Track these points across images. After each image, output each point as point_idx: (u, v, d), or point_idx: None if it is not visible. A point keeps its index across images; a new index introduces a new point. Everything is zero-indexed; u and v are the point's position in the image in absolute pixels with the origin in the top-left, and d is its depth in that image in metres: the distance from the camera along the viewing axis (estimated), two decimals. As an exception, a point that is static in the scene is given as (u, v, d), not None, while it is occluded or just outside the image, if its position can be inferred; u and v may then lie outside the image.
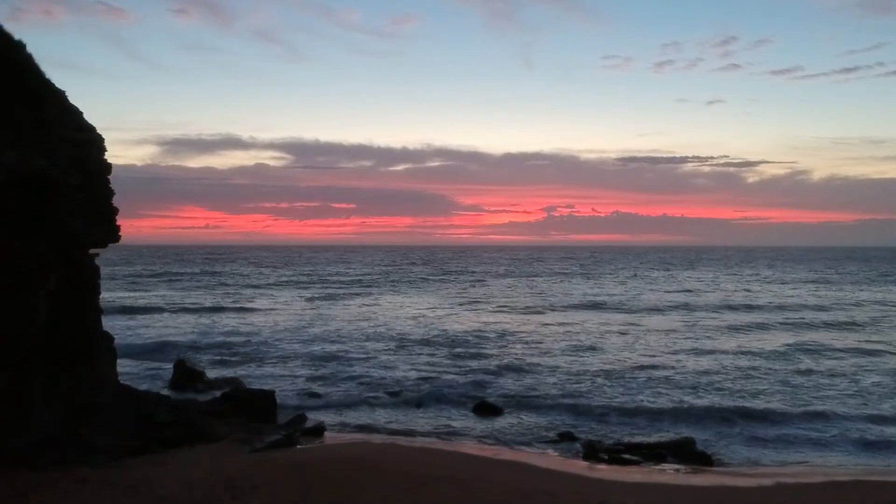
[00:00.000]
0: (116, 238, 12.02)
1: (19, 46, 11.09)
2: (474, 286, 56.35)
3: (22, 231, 9.87)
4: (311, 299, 44.20)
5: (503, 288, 54.47)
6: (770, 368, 22.24)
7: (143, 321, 30.37)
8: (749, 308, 39.82)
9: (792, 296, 48.55)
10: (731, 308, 40.02)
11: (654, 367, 21.98)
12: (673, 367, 22.08)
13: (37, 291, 10.41)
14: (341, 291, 49.43)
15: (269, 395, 14.74)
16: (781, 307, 40.60)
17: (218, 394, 17.68)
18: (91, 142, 11.18)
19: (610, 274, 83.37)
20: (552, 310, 37.60)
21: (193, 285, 52.56)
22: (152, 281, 59.07)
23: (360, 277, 67.40)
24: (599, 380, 20.09)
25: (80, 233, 10.84)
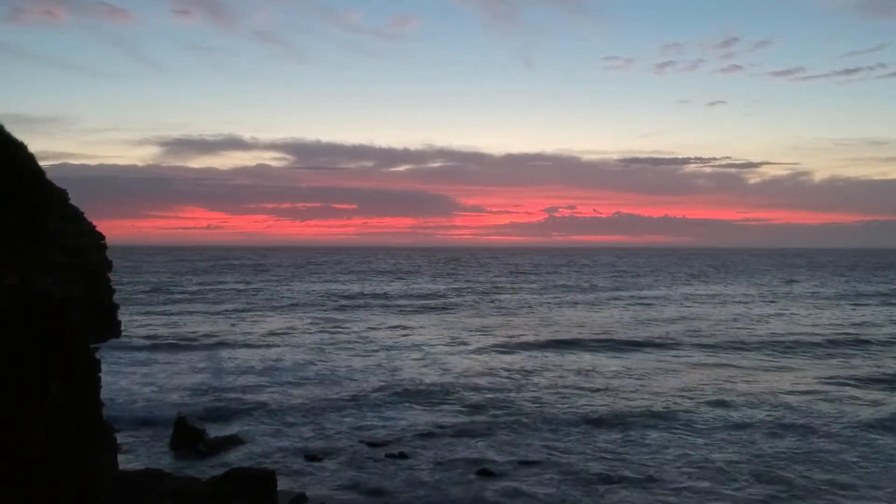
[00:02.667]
0: (118, 334, 12.27)
1: (20, 148, 11.33)
2: (493, 308, 55.29)
3: (21, 349, 10.11)
4: (315, 323, 44.58)
5: (526, 310, 53.48)
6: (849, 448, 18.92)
7: (145, 357, 30.66)
8: (813, 347, 36.12)
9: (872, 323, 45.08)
10: (797, 346, 36.42)
11: (678, 427, 20.96)
12: (706, 424, 21.12)
13: (38, 404, 10.65)
14: (347, 315, 49.60)
15: (269, 476, 14.95)
16: (862, 341, 37.43)
17: (218, 461, 18.13)
18: (92, 246, 11.41)
19: (642, 288, 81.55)
20: (581, 345, 35.99)
21: (196, 309, 52.78)
22: (156, 299, 59.47)
23: (368, 296, 67.41)
24: (616, 443, 19.57)
25: (82, 339, 11.08)
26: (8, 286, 9.60)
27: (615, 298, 65.68)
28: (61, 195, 11.54)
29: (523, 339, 38.04)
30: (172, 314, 48.07)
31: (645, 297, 66.12)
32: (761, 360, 32.78)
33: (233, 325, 43.27)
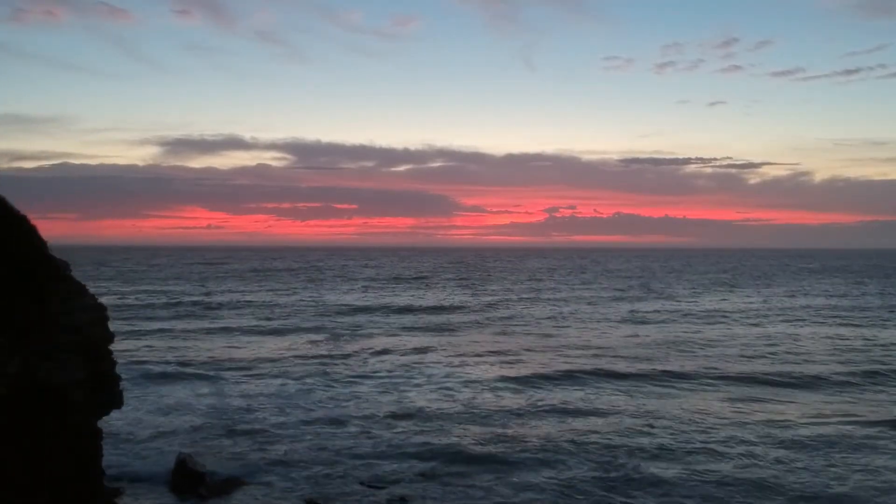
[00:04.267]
0: (119, 405, 12.46)
1: (23, 223, 11.49)
2: (508, 326, 54.29)
3: (21, 432, 10.29)
4: (319, 343, 44.86)
5: (543, 329, 52.33)
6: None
7: (146, 389, 30.78)
8: (867, 378, 33.77)
9: None
10: (851, 379, 33.72)
11: (700, 483, 19.80)
12: (733, 483, 19.73)
13: (38, 480, 10.83)
14: (353, 333, 49.77)
15: (270, 533, 15.17)
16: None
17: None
18: (94, 321, 11.58)
19: (661, 299, 79.86)
20: (599, 376, 34.28)
21: (199, 326, 53.01)
22: (157, 313, 59.85)
23: (374, 310, 67.46)
24: (631, 492, 19.10)
25: (83, 417, 11.25)
26: (10, 375, 9.79)
27: (635, 312, 64.15)
28: (63, 270, 11.72)
29: (539, 366, 37.12)
30: (175, 333, 48.33)
31: (667, 313, 64.45)
32: (805, 397, 30.84)
33: (236, 346, 43.51)
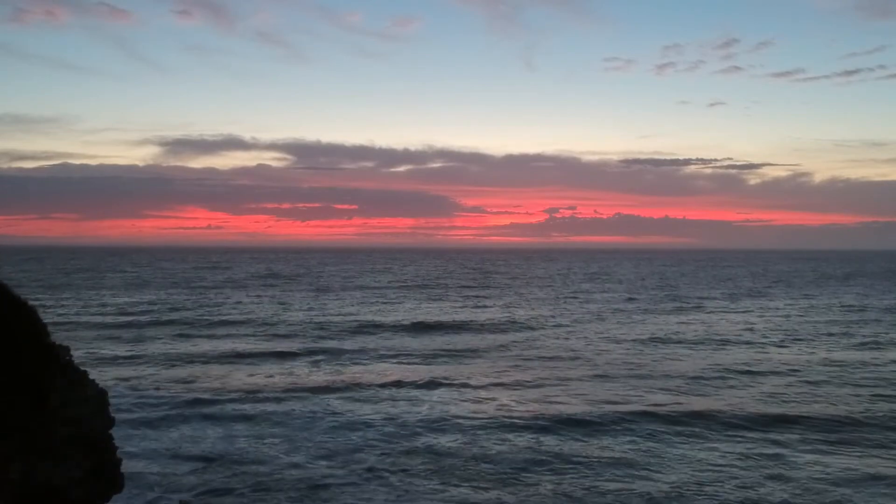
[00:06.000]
0: (120, 488, 12.41)
1: (22, 312, 11.41)
2: (527, 350, 52.71)
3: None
4: (320, 365, 44.95)
5: (565, 353, 50.63)
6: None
7: (145, 431, 30.86)
8: None
9: None
10: None
11: None
12: None
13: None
14: (355, 357, 49.70)
15: None
16: None
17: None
18: (94, 411, 11.52)
19: (687, 311, 79.13)
20: (639, 413, 32.40)
21: (199, 349, 53.14)
22: (159, 332, 60.08)
23: (378, 328, 67.37)
24: None
25: (84, 511, 11.20)
26: (12, 481, 9.74)
27: (662, 335, 60.12)
28: (63, 357, 11.65)
29: (558, 403, 35.45)
30: (175, 357, 48.40)
31: (695, 332, 62.04)
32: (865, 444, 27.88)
33: (239, 373, 43.63)
